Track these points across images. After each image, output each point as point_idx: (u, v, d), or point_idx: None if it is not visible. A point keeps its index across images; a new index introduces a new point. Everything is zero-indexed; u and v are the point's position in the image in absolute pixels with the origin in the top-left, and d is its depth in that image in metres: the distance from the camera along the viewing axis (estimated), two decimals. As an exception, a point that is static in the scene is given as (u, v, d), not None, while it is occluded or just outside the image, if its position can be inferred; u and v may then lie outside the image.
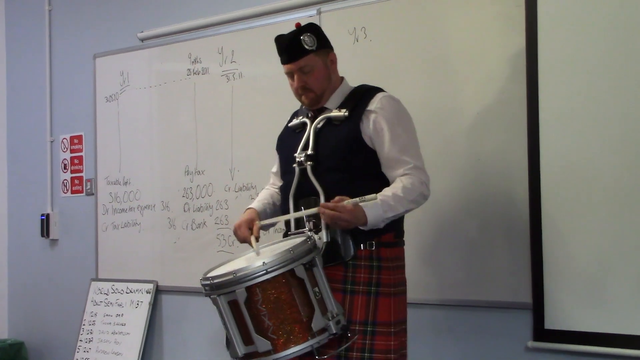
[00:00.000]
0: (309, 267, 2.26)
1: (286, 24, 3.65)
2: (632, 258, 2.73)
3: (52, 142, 4.79)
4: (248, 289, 2.20)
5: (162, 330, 4.23)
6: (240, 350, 2.24)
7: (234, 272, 2.21)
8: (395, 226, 2.54)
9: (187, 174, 4.09)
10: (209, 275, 2.34)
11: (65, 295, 4.69)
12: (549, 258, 2.89)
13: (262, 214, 2.70)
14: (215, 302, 2.29)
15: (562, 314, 2.87)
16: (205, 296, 2.34)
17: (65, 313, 4.66)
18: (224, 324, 2.29)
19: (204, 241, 3.99)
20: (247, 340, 2.23)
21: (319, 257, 2.31)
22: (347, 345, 2.32)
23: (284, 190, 2.64)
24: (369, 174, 2.52)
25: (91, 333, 4.37)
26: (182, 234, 4.10)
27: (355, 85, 2.69)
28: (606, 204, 2.78)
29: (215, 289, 2.27)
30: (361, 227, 2.40)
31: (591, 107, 2.82)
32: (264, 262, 2.20)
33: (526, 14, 2.95)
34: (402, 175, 2.47)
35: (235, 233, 2.64)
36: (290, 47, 2.56)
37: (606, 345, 2.78)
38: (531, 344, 2.96)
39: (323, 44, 2.62)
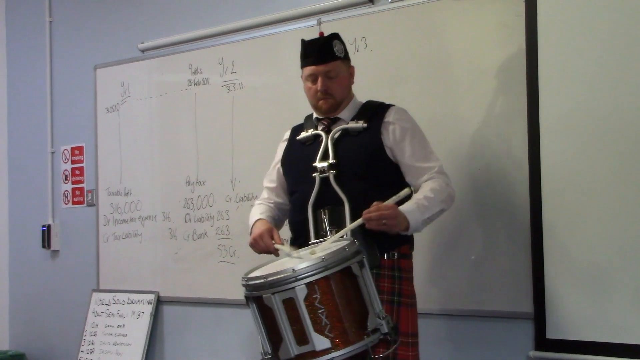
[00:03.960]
0: (361, 266, 2.21)
1: (287, 35, 3.67)
2: (634, 267, 2.73)
3: (53, 153, 4.79)
4: (307, 286, 2.11)
5: (164, 341, 4.22)
6: (293, 350, 2.13)
7: (292, 269, 2.12)
8: (410, 238, 2.60)
9: (188, 185, 4.09)
10: (259, 274, 2.22)
11: (66, 306, 4.69)
12: (550, 267, 2.89)
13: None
14: (268, 302, 2.15)
15: (564, 323, 2.87)
16: (251, 297, 2.20)
17: (67, 324, 4.65)
18: (271, 327, 2.18)
19: (205, 252, 3.99)
20: (300, 340, 2.13)
21: (366, 258, 2.25)
22: (395, 346, 2.26)
23: (299, 201, 2.61)
24: (389, 183, 2.55)
25: (92, 344, 4.36)
26: (183, 245, 4.10)
27: (361, 99, 2.74)
28: (607, 213, 2.78)
29: (269, 287, 2.14)
30: (403, 233, 2.42)
31: (591, 116, 2.82)
32: (323, 259, 2.13)
33: (526, 23, 2.96)
34: (427, 180, 2.53)
35: (256, 244, 2.58)
36: (321, 50, 2.60)
37: (608, 354, 2.77)
38: (533, 353, 2.95)
39: (348, 55, 2.69)
